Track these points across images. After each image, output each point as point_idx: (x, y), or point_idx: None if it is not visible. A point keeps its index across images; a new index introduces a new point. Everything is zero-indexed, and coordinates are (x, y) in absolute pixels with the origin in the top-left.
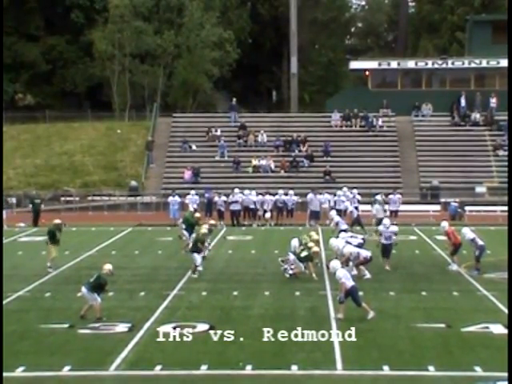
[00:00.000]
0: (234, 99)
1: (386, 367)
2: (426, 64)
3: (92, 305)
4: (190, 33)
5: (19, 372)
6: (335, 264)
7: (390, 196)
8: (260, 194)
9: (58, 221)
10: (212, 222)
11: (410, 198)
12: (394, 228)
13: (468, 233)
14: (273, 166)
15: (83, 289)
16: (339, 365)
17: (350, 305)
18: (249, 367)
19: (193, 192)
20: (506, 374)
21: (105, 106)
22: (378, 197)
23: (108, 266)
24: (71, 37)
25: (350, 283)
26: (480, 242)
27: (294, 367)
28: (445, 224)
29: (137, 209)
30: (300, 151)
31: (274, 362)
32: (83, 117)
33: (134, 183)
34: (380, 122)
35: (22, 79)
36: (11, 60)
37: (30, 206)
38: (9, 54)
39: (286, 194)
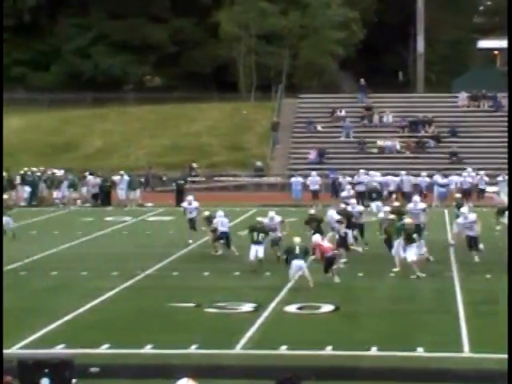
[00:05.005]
0: (363, 79)
1: None
2: None
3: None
4: (316, 13)
5: (148, 349)
6: None
7: None
8: (388, 174)
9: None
10: None
11: None
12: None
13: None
14: (398, 146)
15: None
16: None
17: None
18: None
19: (313, 173)
20: None
21: (230, 87)
22: (501, 177)
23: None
24: (198, 18)
25: None
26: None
27: (420, 349)
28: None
29: (262, 189)
30: (426, 132)
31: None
32: (209, 98)
33: (259, 164)
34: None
35: (149, 61)
36: (139, 42)
37: (174, 185)
38: (137, 36)
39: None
